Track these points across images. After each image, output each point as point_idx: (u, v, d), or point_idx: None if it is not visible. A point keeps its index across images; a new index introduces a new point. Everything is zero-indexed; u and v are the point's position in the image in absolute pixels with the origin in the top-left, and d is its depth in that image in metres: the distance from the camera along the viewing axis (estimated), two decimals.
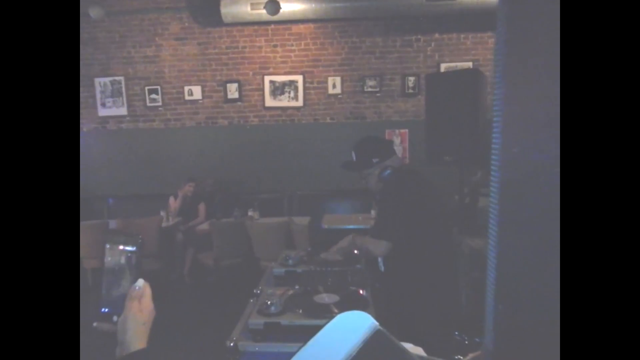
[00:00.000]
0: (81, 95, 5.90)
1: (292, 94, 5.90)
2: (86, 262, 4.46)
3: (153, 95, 5.98)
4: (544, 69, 0.47)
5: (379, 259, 2.06)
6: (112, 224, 4.70)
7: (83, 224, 4.21)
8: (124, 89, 5.98)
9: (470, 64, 5.69)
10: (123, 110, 6.02)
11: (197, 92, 5.95)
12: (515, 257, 0.51)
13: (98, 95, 5.98)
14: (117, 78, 5.97)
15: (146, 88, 5.98)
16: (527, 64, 0.48)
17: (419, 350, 1.11)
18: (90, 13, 5.27)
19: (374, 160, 1.99)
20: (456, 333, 2.47)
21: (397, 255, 1.95)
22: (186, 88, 5.95)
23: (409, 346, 1.06)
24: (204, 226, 4.95)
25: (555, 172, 0.46)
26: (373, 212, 4.48)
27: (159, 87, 5.97)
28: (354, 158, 2.06)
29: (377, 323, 0.83)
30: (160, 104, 5.99)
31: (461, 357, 1.09)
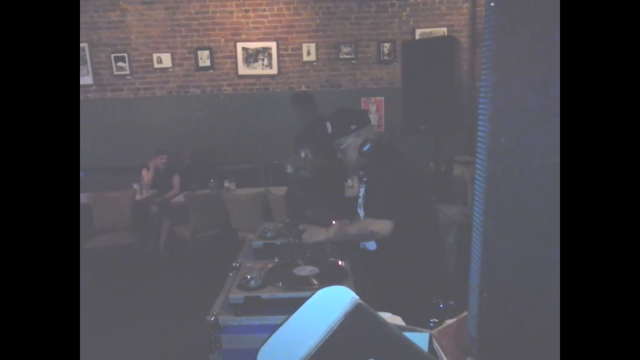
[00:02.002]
0: None
1: (265, 62, 5.75)
2: None
3: (120, 63, 5.73)
4: (535, 57, 0.46)
5: None
6: (84, 197, 4.57)
7: None
8: (88, 57, 5.70)
9: (445, 30, 5.65)
10: (88, 80, 5.76)
11: (166, 59, 5.73)
12: (500, 247, 0.51)
13: None
14: (80, 45, 5.67)
15: (112, 55, 5.71)
16: (517, 53, 0.46)
17: (397, 320, 1.14)
18: None
19: (352, 127, 1.96)
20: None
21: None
22: (155, 55, 5.72)
23: (387, 316, 1.08)
24: (179, 198, 4.87)
25: (543, 163, 0.46)
26: (350, 182, 4.49)
27: (125, 54, 5.71)
28: (329, 129, 2.03)
29: (357, 297, 0.84)
30: (128, 72, 5.75)
31: (436, 320, 1.12)
